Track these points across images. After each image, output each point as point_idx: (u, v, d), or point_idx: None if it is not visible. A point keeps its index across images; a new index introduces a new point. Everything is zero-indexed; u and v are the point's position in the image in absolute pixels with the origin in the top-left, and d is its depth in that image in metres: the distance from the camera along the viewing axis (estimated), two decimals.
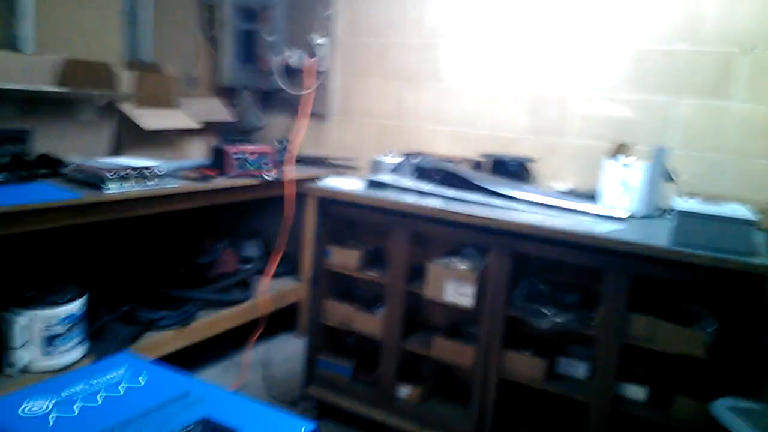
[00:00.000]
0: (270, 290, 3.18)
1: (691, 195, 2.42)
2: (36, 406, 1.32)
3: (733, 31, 2.53)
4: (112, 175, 2.27)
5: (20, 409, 1.31)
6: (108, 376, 1.50)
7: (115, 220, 2.36)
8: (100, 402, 1.37)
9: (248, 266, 3.36)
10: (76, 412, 1.32)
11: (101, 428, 1.25)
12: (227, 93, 3.76)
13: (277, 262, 3.08)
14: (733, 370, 1.91)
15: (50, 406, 1.33)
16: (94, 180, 2.28)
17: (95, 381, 1.47)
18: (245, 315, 3.07)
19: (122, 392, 1.42)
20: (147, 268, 3.07)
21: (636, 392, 2.12)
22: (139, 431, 1.26)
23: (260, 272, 3.32)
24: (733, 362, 1.90)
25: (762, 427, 1.60)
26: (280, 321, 3.46)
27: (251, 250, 3.63)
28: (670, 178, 2.51)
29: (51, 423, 1.27)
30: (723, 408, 1.70)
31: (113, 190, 2.26)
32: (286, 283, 3.37)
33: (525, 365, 2.26)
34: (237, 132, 3.62)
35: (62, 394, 1.39)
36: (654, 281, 2.09)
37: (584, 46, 2.83)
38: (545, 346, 2.36)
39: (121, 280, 2.92)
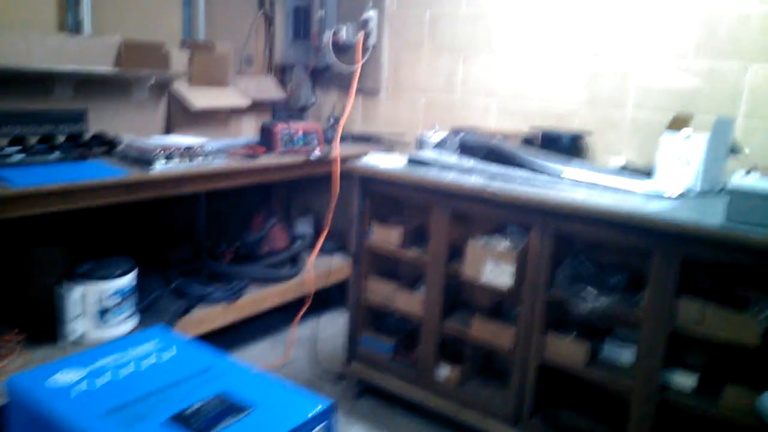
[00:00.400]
0: (318, 267, 3.22)
1: (756, 169, 2.24)
2: (65, 378, 1.39)
3: None
4: (158, 154, 2.34)
5: (48, 379, 1.38)
6: (139, 349, 1.56)
7: (168, 196, 2.44)
8: (126, 374, 1.43)
9: (298, 243, 3.40)
10: (101, 384, 1.38)
11: (120, 401, 1.31)
12: (281, 70, 3.79)
13: (323, 240, 3.10)
14: None
15: (76, 378, 1.40)
16: (143, 157, 2.36)
17: (127, 353, 1.53)
18: (293, 291, 3.13)
19: (149, 365, 1.48)
20: (198, 244, 3.17)
21: (683, 380, 2.00)
22: (156, 404, 1.30)
23: (311, 249, 3.36)
24: None
25: None
26: (329, 297, 3.50)
27: (303, 227, 3.69)
28: (734, 151, 2.32)
29: (73, 396, 1.33)
30: None
31: (158, 168, 2.33)
32: (335, 260, 3.39)
33: (566, 349, 2.18)
34: (290, 109, 3.65)
35: (94, 365, 1.46)
36: (706, 263, 1.95)
37: (646, 10, 2.64)
38: (590, 329, 2.27)
39: (173, 255, 3.04)
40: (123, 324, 2.43)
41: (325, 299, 3.45)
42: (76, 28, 2.87)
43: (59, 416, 1.26)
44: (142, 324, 2.51)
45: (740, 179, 1.84)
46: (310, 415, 1.30)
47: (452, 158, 2.49)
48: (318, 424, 1.31)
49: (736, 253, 1.77)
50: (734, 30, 2.45)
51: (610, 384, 2.14)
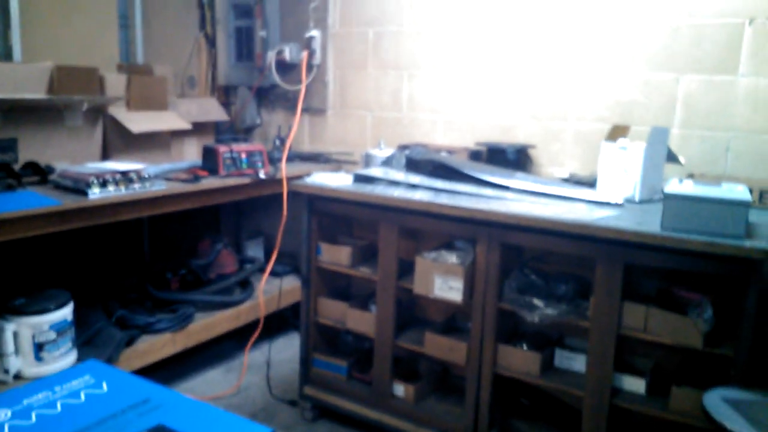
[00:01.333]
0: (269, 290, 3.15)
1: (692, 176, 2.32)
2: None
3: (737, 1, 2.39)
4: (94, 181, 2.26)
5: None
6: (71, 384, 1.48)
7: (107, 224, 2.36)
8: (59, 410, 1.35)
9: (248, 266, 3.33)
10: (33, 420, 1.30)
11: None
12: (225, 91, 3.74)
13: (273, 262, 3.05)
14: (732, 359, 1.80)
15: (7, 415, 1.31)
16: (78, 186, 2.28)
17: (57, 389, 1.45)
18: (244, 316, 3.05)
19: (82, 399, 1.40)
20: (142, 272, 3.07)
21: (634, 384, 2.03)
22: None
23: (262, 272, 3.29)
24: (733, 351, 1.80)
25: (753, 418, 1.50)
26: (283, 320, 3.44)
27: (253, 249, 3.62)
28: (674, 160, 2.39)
29: (5, 431, 1.25)
30: (715, 399, 1.60)
31: (96, 195, 2.25)
32: (287, 282, 3.33)
33: (520, 359, 2.18)
34: (235, 131, 3.60)
35: (22, 403, 1.37)
36: (649, 269, 1.99)
37: (584, 26, 2.71)
38: (542, 338, 2.28)
39: (115, 284, 2.93)
40: (61, 359, 2.31)
41: (278, 322, 3.39)
42: (4, 55, 2.78)
43: None
44: (81, 359, 2.40)
45: (674, 186, 1.89)
46: None
47: (399, 174, 2.48)
48: None
49: (673, 257, 1.81)
50: (666, 43, 2.54)
51: (565, 391, 2.14)
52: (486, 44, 2.95)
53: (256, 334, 2.98)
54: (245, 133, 3.67)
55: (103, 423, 1.30)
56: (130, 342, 2.56)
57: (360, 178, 2.47)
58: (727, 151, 2.48)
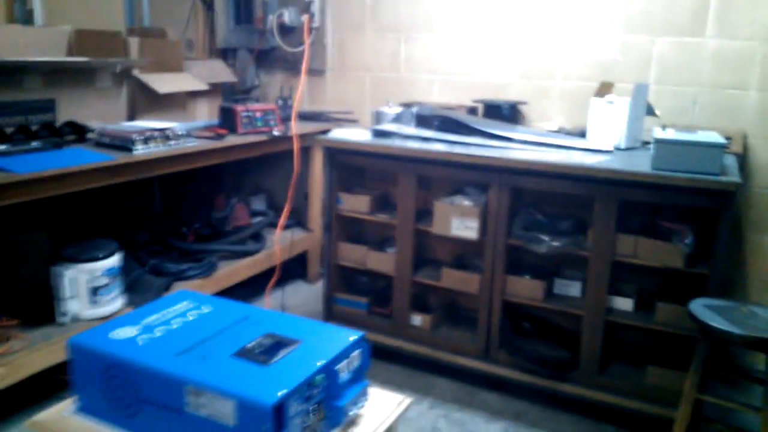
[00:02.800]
0: (281, 241, 3.40)
1: (665, 126, 2.67)
2: (124, 333, 1.55)
3: None
4: (138, 138, 2.44)
5: (109, 334, 1.53)
6: (174, 308, 1.72)
7: (147, 178, 2.54)
8: (175, 327, 1.60)
9: (258, 219, 3.56)
10: (160, 335, 1.55)
11: (184, 345, 1.49)
12: (223, 54, 3.88)
13: (287, 214, 3.28)
14: (708, 277, 2.18)
15: (135, 332, 1.55)
16: (122, 143, 2.45)
17: (164, 312, 1.69)
18: (261, 264, 3.30)
19: (191, 318, 1.65)
20: (155, 228, 3.26)
21: (624, 303, 2.41)
22: (216, 345, 1.49)
23: (270, 224, 3.53)
24: (709, 270, 2.18)
25: (729, 318, 1.88)
26: (291, 269, 3.69)
27: (258, 204, 3.83)
28: (651, 113, 2.74)
29: (140, 343, 1.50)
30: (698, 305, 1.97)
31: (141, 151, 2.44)
32: (296, 234, 3.58)
33: (525, 287, 2.53)
34: (236, 91, 3.77)
35: (142, 323, 1.61)
36: (638, 204, 2.35)
37: None
38: (542, 270, 2.63)
39: (146, 236, 3.12)
40: (113, 302, 2.53)
41: (285, 272, 3.64)
42: (25, 19, 2.87)
43: (134, 361, 1.42)
44: (131, 301, 2.61)
45: (661, 133, 2.23)
46: (350, 341, 1.53)
47: (411, 129, 2.75)
48: (356, 350, 1.55)
49: (661, 192, 2.17)
50: (643, 7, 2.87)
51: (565, 312, 2.51)
52: (480, 8, 3.21)
53: (274, 280, 3.23)
54: (244, 93, 3.84)
55: (220, 333, 1.56)
56: (167, 287, 2.78)
57: (377, 133, 2.72)
58: (694, 104, 2.85)
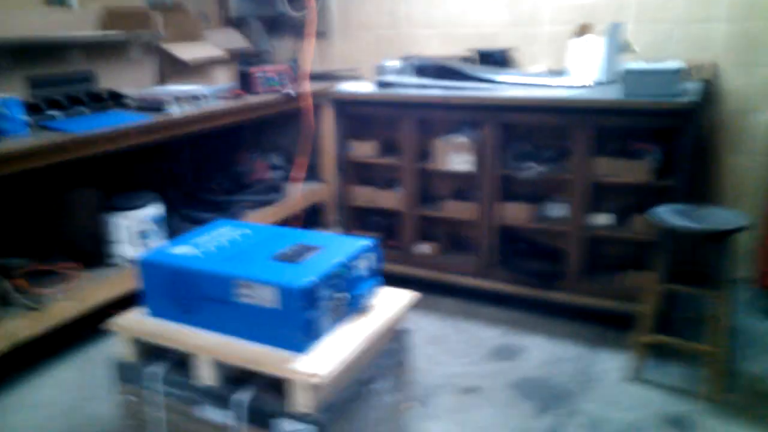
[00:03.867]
0: (300, 191, 3.75)
1: (642, 59, 2.95)
2: (183, 250, 1.91)
3: None
4: (172, 100, 2.79)
5: (172, 251, 1.90)
6: (219, 231, 2.08)
7: (182, 135, 2.88)
8: (227, 243, 1.96)
9: (276, 172, 3.91)
10: (212, 249, 1.91)
11: (233, 253, 1.85)
12: (234, 23, 4.18)
13: (305, 166, 3.62)
14: (674, 188, 2.50)
15: (191, 249, 1.92)
16: (158, 105, 2.80)
17: (213, 233, 2.06)
18: (283, 212, 3.66)
19: (237, 237, 2.01)
20: (196, 181, 3.63)
21: (604, 218, 2.73)
22: (258, 252, 1.85)
23: (286, 178, 3.88)
24: (675, 181, 2.49)
25: (688, 217, 2.20)
26: (309, 218, 4.05)
27: (276, 160, 4.18)
28: (628, 49, 3.02)
29: (197, 255, 1.86)
30: (662, 210, 2.29)
31: (176, 111, 2.78)
32: (310, 185, 3.92)
33: (518, 211, 2.86)
34: (250, 57, 4.08)
35: (194, 241, 1.98)
36: (613, 129, 2.65)
37: None
38: (531, 197, 2.95)
39: (178, 192, 3.49)
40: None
41: (304, 221, 4.00)
42: (59, 1, 3.20)
43: (194, 267, 1.79)
44: None
45: (630, 65, 2.52)
46: (363, 246, 1.89)
47: (412, 79, 3.06)
48: (370, 252, 1.91)
49: (632, 117, 2.47)
50: None
51: (553, 230, 2.84)
52: None
53: (296, 226, 3.59)
54: (256, 57, 4.14)
55: (259, 245, 1.92)
56: None
57: (381, 84, 3.04)
58: (670, 39, 3.12)
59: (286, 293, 1.66)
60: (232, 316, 1.77)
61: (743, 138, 3.04)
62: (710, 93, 2.96)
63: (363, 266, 1.89)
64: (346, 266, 1.81)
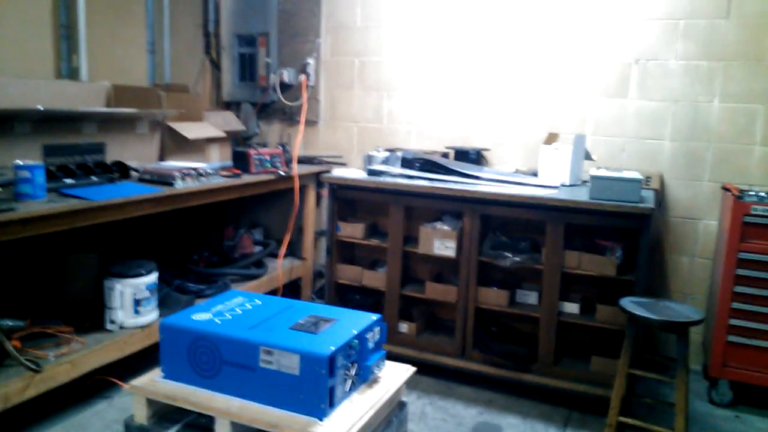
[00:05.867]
0: (281, 267, 3.91)
1: (601, 167, 3.36)
2: (202, 317, 2.05)
3: (627, 47, 3.48)
4: (178, 174, 2.97)
5: (191, 317, 2.04)
6: (232, 301, 2.23)
7: (184, 207, 3.04)
8: (240, 312, 2.12)
9: (259, 248, 4.08)
10: (229, 317, 2.06)
11: (251, 322, 2.01)
12: (227, 106, 4.45)
13: (286, 244, 3.81)
14: (634, 282, 2.82)
15: (210, 316, 2.06)
16: (165, 179, 2.97)
17: (226, 303, 2.20)
18: (265, 286, 3.79)
19: (250, 307, 2.17)
20: (186, 251, 3.74)
21: (571, 307, 3.02)
22: (275, 323, 2.02)
23: (270, 254, 4.04)
24: (634, 277, 2.82)
25: (650, 309, 2.51)
26: (287, 294, 4.19)
27: (258, 235, 4.35)
28: (588, 157, 3.43)
29: (219, 322, 2.01)
30: (627, 302, 2.59)
31: (181, 185, 2.96)
32: (291, 261, 4.10)
33: (494, 296, 3.12)
34: (239, 139, 4.32)
35: (212, 310, 2.12)
36: (580, 227, 2.99)
37: (523, 64, 3.72)
38: (506, 284, 3.23)
39: (167, 260, 3.59)
40: (151, 313, 2.99)
41: (282, 295, 4.13)
42: (70, 75, 3.40)
43: (218, 334, 1.93)
44: (161, 314, 3.07)
45: (596, 172, 2.90)
46: (374, 320, 2.08)
47: (398, 169, 3.36)
48: (378, 326, 2.10)
49: (597, 217, 2.82)
50: (580, 75, 3.60)
51: (526, 315, 3.10)
52: (450, 72, 3.90)
53: None
54: (245, 140, 4.40)
55: (275, 316, 2.09)
56: (191, 303, 3.25)
57: (372, 172, 3.32)
58: (623, 151, 3.56)
59: (309, 360, 1.82)
60: (253, 381, 1.90)
61: (688, 242, 3.45)
62: (659, 201, 3.38)
63: (373, 338, 2.08)
64: (360, 338, 1.99)
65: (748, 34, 3.23)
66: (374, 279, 3.37)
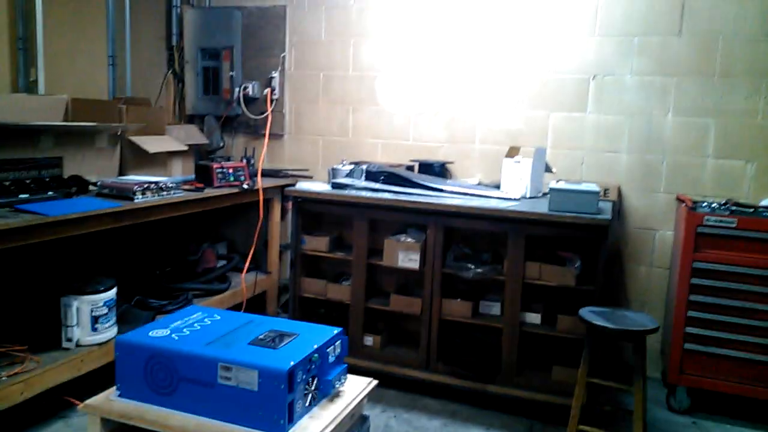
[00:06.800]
0: (246, 281, 3.88)
1: (560, 180, 3.43)
2: (159, 333, 2.02)
3: (585, 63, 3.57)
4: (138, 189, 2.93)
5: (148, 334, 2.01)
6: (192, 317, 2.21)
7: (144, 221, 3.00)
8: (199, 328, 2.09)
9: (223, 263, 4.03)
10: (188, 333, 2.04)
11: (209, 338, 1.98)
12: (190, 120, 4.42)
13: (251, 258, 3.79)
14: (593, 292, 2.88)
15: (168, 332, 2.04)
16: (124, 193, 2.92)
17: (185, 319, 2.18)
18: (229, 301, 3.75)
19: (209, 323, 2.15)
20: (148, 266, 3.68)
21: (533, 317, 3.06)
22: (234, 338, 2.00)
23: (235, 268, 4.00)
24: (593, 286, 2.88)
25: (607, 318, 2.55)
26: (252, 308, 4.15)
27: (221, 249, 4.30)
28: (549, 170, 3.50)
29: (176, 338, 1.98)
30: (586, 311, 2.64)
31: (140, 199, 2.92)
32: (255, 275, 4.06)
33: (457, 308, 3.14)
34: (202, 152, 4.29)
35: (170, 326, 2.09)
36: (539, 238, 3.04)
37: (485, 77, 3.79)
38: (469, 295, 3.25)
39: (129, 275, 3.53)
40: (109, 330, 2.92)
41: (247, 310, 4.09)
42: (27, 89, 3.34)
43: (174, 351, 1.90)
44: (120, 330, 3.01)
45: (555, 185, 2.96)
46: (334, 333, 2.08)
47: (363, 182, 3.37)
48: (338, 340, 2.09)
49: (556, 228, 2.87)
50: (540, 90, 3.68)
51: (489, 326, 3.13)
52: (413, 87, 3.94)
53: None
54: (208, 154, 4.36)
55: (235, 331, 2.07)
56: (152, 318, 3.20)
57: (336, 185, 3.33)
58: (582, 163, 3.64)
59: (269, 376, 1.81)
60: (211, 398, 1.88)
61: (645, 251, 3.54)
62: (617, 211, 3.45)
63: (334, 352, 2.07)
64: (320, 353, 1.98)
65: (699, 50, 3.35)
66: (339, 292, 3.36)
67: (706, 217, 2.97)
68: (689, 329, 3.03)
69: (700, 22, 3.34)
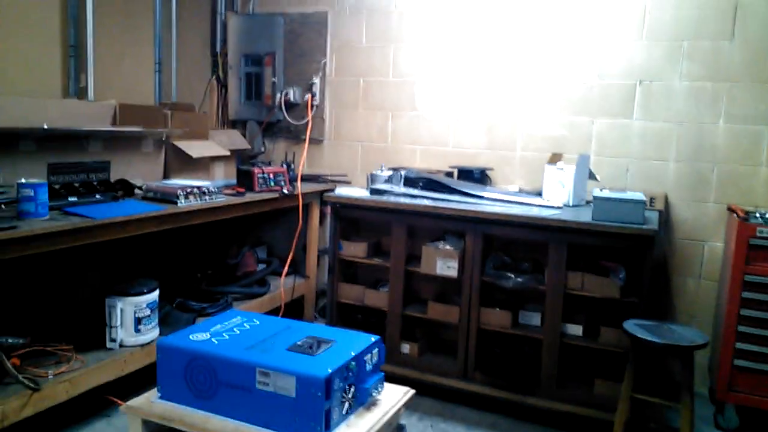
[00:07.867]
0: (284, 286, 3.90)
1: (604, 188, 3.35)
2: (199, 337, 2.05)
3: (632, 68, 3.48)
4: (181, 193, 2.98)
5: (189, 337, 2.03)
6: (231, 321, 2.23)
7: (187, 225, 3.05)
8: (238, 333, 2.11)
9: (262, 267, 4.07)
10: (227, 338, 2.05)
11: (249, 343, 2.00)
12: (233, 125, 4.49)
13: (290, 262, 3.81)
14: (637, 304, 2.79)
15: (208, 336, 2.06)
16: (168, 197, 2.98)
17: (225, 323, 2.20)
18: (267, 305, 3.78)
19: (248, 327, 2.16)
20: (189, 268, 3.74)
21: (574, 329, 2.99)
22: (273, 344, 2.01)
23: (274, 272, 4.04)
24: (638, 299, 2.79)
25: (653, 332, 2.47)
26: (289, 312, 4.17)
27: (261, 254, 4.35)
28: (593, 177, 3.42)
29: (216, 342, 2.00)
30: (630, 324, 2.56)
31: (183, 203, 2.97)
32: (293, 280, 4.08)
33: (496, 317, 3.09)
34: (244, 157, 4.34)
35: (210, 330, 2.12)
36: (583, 248, 2.97)
37: (528, 83, 3.73)
38: (509, 304, 3.20)
39: (171, 278, 3.59)
40: (151, 332, 2.97)
41: (285, 314, 4.11)
42: (77, 94, 3.43)
43: (214, 355, 1.92)
44: (161, 332, 3.07)
45: (599, 193, 2.88)
46: (372, 341, 2.06)
47: (401, 188, 3.36)
48: (376, 348, 2.08)
49: (600, 238, 2.79)
50: (584, 96, 3.60)
51: (529, 336, 3.07)
52: (453, 93, 3.91)
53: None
54: (250, 158, 4.41)
55: (273, 336, 2.08)
56: (194, 321, 3.24)
57: (374, 191, 3.32)
58: (627, 171, 3.55)
59: (305, 383, 1.81)
60: (249, 403, 1.89)
61: (694, 263, 3.42)
62: (664, 221, 3.35)
63: (371, 360, 2.06)
64: (357, 360, 1.97)
65: (752, 55, 3.23)
66: (376, 299, 3.35)
67: (759, 229, 2.85)
68: (739, 345, 2.91)
69: (754, 27, 3.22)
